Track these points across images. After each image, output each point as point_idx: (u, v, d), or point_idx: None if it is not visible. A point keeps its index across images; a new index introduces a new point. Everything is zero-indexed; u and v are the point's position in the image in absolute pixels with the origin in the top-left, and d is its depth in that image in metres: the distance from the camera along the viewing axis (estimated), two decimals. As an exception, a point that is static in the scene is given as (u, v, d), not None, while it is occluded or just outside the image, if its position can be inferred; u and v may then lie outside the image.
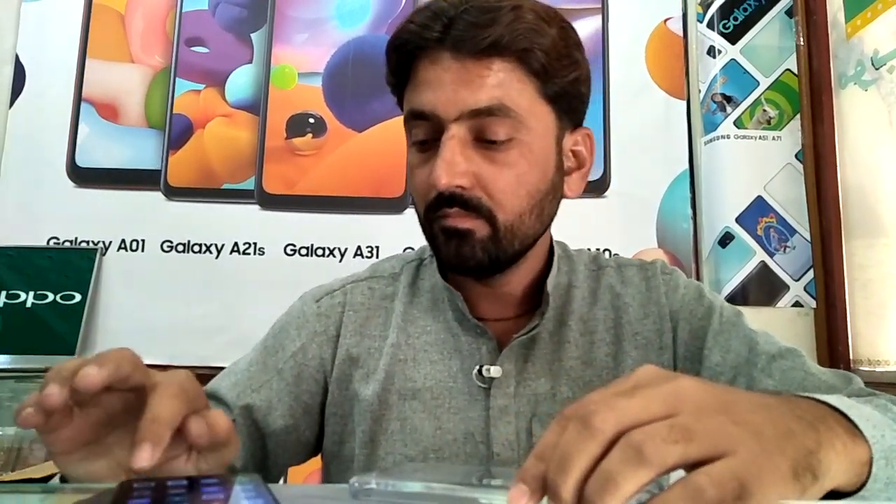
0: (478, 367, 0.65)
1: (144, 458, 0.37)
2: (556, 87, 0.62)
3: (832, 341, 1.59)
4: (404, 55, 0.63)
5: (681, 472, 0.31)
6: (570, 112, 0.65)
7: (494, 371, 0.64)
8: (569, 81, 0.63)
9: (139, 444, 0.38)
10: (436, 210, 0.62)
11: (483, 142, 0.60)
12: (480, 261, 0.61)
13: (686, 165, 1.76)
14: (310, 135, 1.79)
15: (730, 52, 1.73)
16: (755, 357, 0.64)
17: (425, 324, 0.69)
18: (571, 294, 0.70)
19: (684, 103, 1.79)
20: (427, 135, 0.62)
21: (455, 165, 0.59)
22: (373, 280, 0.74)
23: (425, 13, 0.61)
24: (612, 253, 1.72)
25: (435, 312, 0.69)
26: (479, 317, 0.67)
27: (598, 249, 1.69)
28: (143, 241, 1.74)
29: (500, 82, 0.59)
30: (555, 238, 0.73)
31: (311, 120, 1.79)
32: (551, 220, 0.67)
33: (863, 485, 0.38)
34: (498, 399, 0.64)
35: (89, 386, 0.39)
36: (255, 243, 1.74)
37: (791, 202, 1.67)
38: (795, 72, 1.71)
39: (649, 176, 1.75)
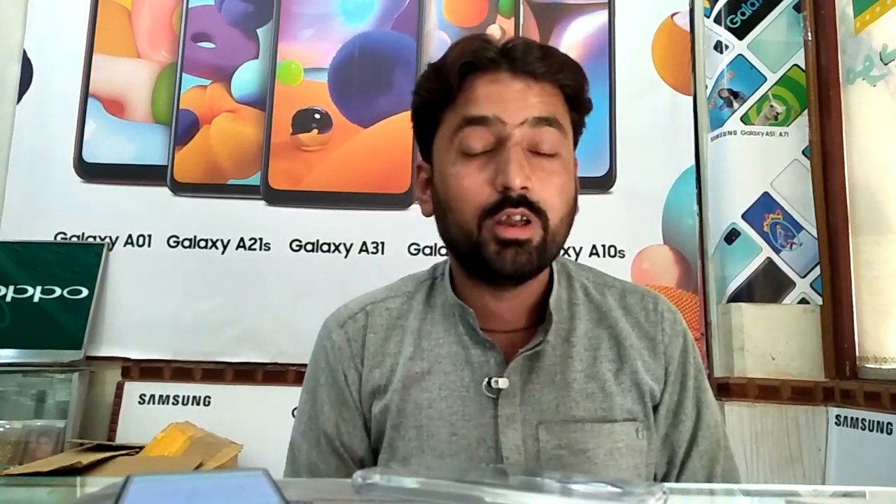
0: (487, 379, 0.69)
1: None
2: (577, 118, 0.72)
3: (838, 338, 1.58)
4: (461, 74, 0.69)
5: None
6: (576, 141, 0.74)
7: (502, 383, 0.69)
8: (585, 115, 0.73)
9: None
10: (496, 212, 0.65)
11: (533, 153, 0.67)
12: (533, 266, 0.67)
13: (692, 161, 1.75)
14: (315, 130, 1.79)
15: (737, 47, 1.72)
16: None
17: (438, 337, 0.73)
18: (573, 310, 0.75)
19: (691, 99, 1.78)
20: (484, 143, 0.67)
21: (524, 168, 0.65)
22: (390, 300, 0.78)
23: (477, 42, 0.70)
24: (618, 249, 1.72)
25: (447, 326, 0.74)
26: (487, 329, 0.72)
27: (603, 246, 1.71)
28: (149, 236, 1.75)
29: (553, 102, 0.69)
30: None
31: (317, 115, 1.80)
32: (570, 230, 0.72)
33: None
34: (505, 408, 0.69)
35: None
36: (260, 239, 1.75)
37: (798, 198, 1.66)
38: (803, 67, 1.70)
39: (655, 172, 1.75)
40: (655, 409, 0.72)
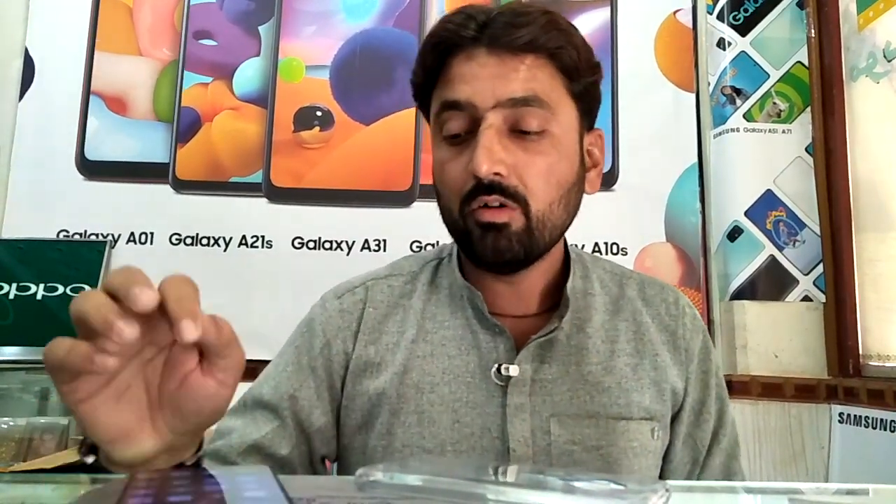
0: (496, 366, 0.66)
1: (191, 329, 0.38)
2: (580, 86, 0.66)
3: (841, 336, 1.58)
4: (439, 53, 0.66)
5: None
6: (589, 112, 0.69)
7: (512, 370, 0.65)
8: (591, 83, 0.67)
9: (179, 321, 0.38)
10: (472, 199, 0.63)
11: (516, 132, 0.63)
12: (516, 253, 0.63)
13: (695, 158, 1.75)
14: (317, 128, 1.79)
15: (740, 44, 1.71)
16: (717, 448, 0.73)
17: (443, 319, 0.70)
18: (589, 300, 0.71)
19: (693, 96, 1.78)
20: (461, 127, 0.64)
21: (494, 153, 0.61)
22: (392, 278, 0.75)
23: (459, 16, 0.65)
24: (621, 247, 1.71)
25: (453, 309, 0.70)
26: (495, 313, 0.69)
27: (605, 243, 1.70)
28: (151, 233, 1.75)
29: (535, 76, 0.63)
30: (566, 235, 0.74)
31: (319, 113, 1.79)
32: (576, 212, 0.69)
33: None
34: (514, 397, 0.65)
35: (147, 305, 0.38)
36: (262, 236, 1.75)
37: (801, 196, 1.66)
38: (806, 64, 1.69)
39: (658, 169, 1.75)
40: (680, 408, 0.70)
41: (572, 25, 0.66)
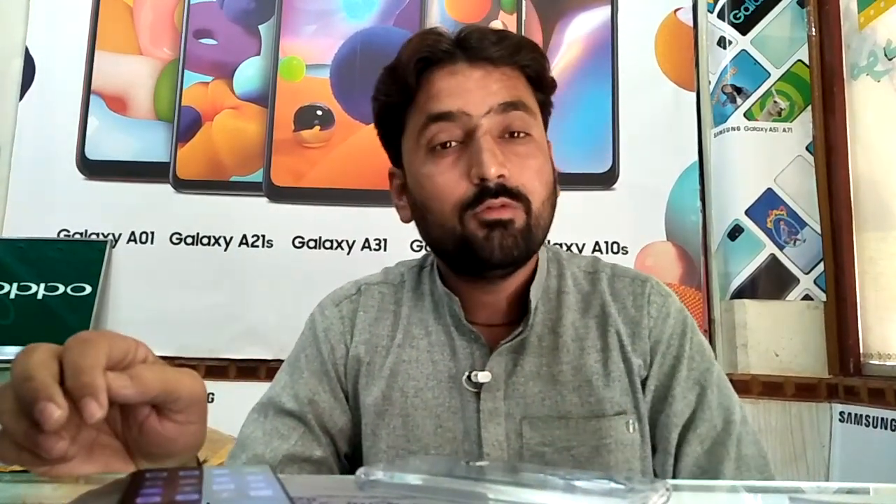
0: (467, 373, 0.68)
1: (92, 410, 0.36)
2: (543, 96, 0.72)
3: (842, 335, 1.58)
4: (419, 71, 0.68)
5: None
6: (546, 122, 0.73)
7: (483, 376, 0.67)
8: (550, 94, 0.73)
9: (78, 402, 0.36)
10: (476, 204, 0.63)
11: (505, 137, 0.66)
12: (521, 250, 0.65)
13: (695, 157, 1.75)
14: (318, 127, 1.79)
15: (740, 42, 1.71)
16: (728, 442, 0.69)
17: (428, 325, 0.72)
18: (562, 299, 0.72)
19: (694, 95, 1.77)
20: (451, 137, 0.65)
21: (497, 156, 0.63)
22: (383, 285, 0.77)
23: (430, 36, 0.68)
24: (621, 246, 1.71)
25: (436, 316, 0.73)
26: (474, 321, 0.70)
27: (606, 242, 1.70)
28: (152, 233, 1.75)
29: (514, 84, 0.68)
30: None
31: (319, 112, 1.79)
32: (554, 213, 0.70)
33: None
34: (487, 402, 0.67)
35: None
36: (263, 235, 1.75)
37: (801, 195, 1.65)
38: (807, 63, 1.69)
39: (658, 168, 1.74)
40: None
41: (535, 43, 0.72)
